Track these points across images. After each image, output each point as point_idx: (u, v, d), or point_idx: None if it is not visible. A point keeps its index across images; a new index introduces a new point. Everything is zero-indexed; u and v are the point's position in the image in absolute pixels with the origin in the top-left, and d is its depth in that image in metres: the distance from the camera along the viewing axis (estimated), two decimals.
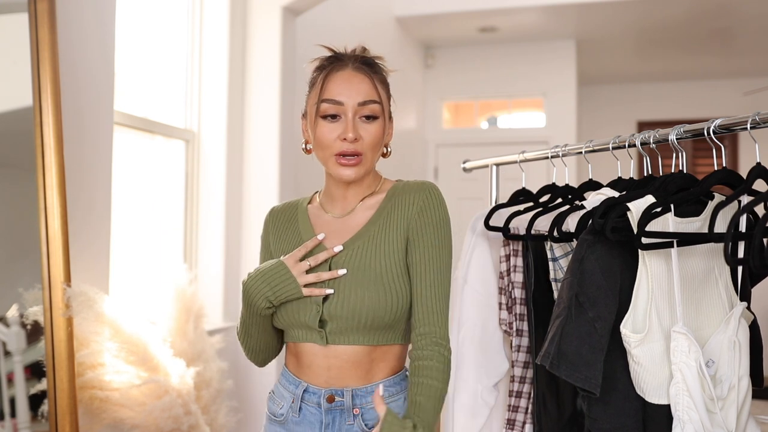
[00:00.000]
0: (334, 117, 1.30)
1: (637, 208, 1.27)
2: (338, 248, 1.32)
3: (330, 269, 1.32)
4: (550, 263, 1.58)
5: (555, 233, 1.51)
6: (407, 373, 1.39)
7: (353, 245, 1.33)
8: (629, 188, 1.55)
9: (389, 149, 1.40)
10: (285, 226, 1.43)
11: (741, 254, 1.29)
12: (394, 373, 1.35)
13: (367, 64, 1.34)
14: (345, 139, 1.28)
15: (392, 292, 1.28)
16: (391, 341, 1.32)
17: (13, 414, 1.97)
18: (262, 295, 1.30)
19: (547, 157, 1.79)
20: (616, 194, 1.50)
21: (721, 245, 1.29)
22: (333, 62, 1.34)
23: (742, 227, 1.28)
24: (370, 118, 1.31)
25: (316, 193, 1.47)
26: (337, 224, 1.38)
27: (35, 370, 1.99)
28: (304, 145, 1.39)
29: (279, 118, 3.24)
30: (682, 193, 1.31)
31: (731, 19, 4.94)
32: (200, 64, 3.15)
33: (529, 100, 5.89)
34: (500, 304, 1.72)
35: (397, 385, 1.35)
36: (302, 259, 1.32)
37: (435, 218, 1.31)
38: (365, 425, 1.31)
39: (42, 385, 1.95)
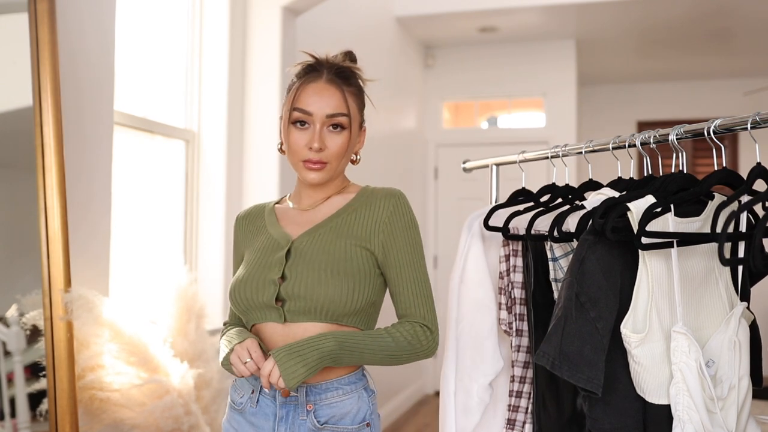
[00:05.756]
0: (303, 124, 1.41)
1: (637, 208, 1.27)
2: None
3: (288, 255, 1.39)
4: (550, 263, 1.58)
5: (555, 233, 1.51)
6: (365, 371, 1.44)
7: (315, 233, 1.42)
8: (629, 188, 1.55)
9: (358, 157, 1.50)
10: (252, 227, 1.52)
11: (741, 254, 1.29)
12: (351, 371, 1.40)
13: (341, 76, 1.42)
14: (311, 148, 1.38)
15: (353, 280, 1.35)
16: (353, 324, 1.37)
17: (13, 414, 1.97)
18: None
19: (547, 157, 1.79)
20: (617, 194, 1.50)
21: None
22: (309, 72, 1.43)
23: (743, 227, 1.28)
24: (338, 127, 1.40)
25: (287, 195, 1.56)
26: (301, 216, 1.47)
27: (35, 370, 1.98)
28: (279, 145, 1.50)
29: (279, 118, 3.23)
30: (682, 193, 1.31)
31: (731, 19, 4.94)
32: (200, 64, 3.15)
33: (529, 100, 5.88)
34: (500, 304, 1.72)
35: (353, 384, 1.39)
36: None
37: (404, 222, 1.42)
38: (317, 422, 1.35)
39: (42, 384, 1.94)
